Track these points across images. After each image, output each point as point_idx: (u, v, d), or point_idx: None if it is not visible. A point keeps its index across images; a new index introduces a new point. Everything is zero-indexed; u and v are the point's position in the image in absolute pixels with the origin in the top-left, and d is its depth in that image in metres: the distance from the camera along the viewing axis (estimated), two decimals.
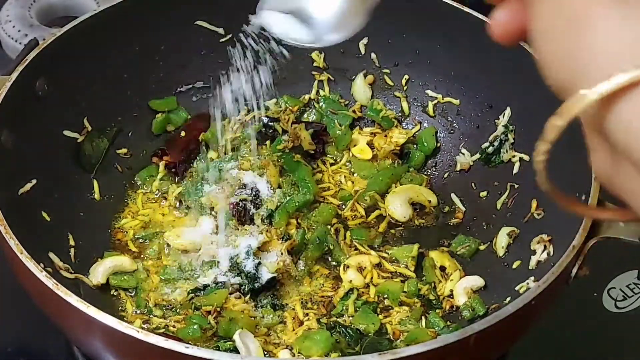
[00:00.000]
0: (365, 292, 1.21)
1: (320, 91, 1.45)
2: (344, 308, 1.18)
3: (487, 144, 1.33)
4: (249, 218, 1.25)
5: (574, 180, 1.11)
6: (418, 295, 1.20)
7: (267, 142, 1.37)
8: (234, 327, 1.11)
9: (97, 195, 1.29)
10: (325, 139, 1.39)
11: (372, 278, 1.22)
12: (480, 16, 1.30)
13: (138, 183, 1.34)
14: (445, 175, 1.37)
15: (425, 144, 1.38)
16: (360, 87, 1.43)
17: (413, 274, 1.24)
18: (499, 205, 1.29)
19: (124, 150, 1.35)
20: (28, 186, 1.15)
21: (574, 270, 1.01)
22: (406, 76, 1.42)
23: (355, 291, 1.20)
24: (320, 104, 1.43)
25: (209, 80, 1.43)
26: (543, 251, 1.14)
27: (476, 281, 1.20)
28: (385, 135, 1.39)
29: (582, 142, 1.12)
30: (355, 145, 1.39)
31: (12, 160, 1.12)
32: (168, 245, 1.25)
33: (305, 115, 1.43)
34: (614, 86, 0.53)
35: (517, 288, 1.11)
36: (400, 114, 1.43)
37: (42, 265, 0.98)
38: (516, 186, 1.28)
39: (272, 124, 1.38)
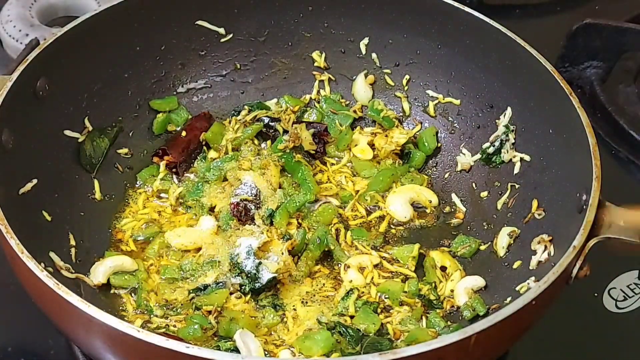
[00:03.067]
0: (366, 292, 1.21)
1: (321, 91, 1.45)
2: (345, 308, 1.18)
3: (487, 144, 1.33)
4: (249, 218, 1.25)
5: (575, 179, 1.11)
6: (419, 296, 1.20)
7: (268, 142, 1.37)
8: (234, 327, 1.11)
9: (97, 195, 1.29)
10: (326, 139, 1.39)
11: (372, 278, 1.22)
12: (480, 16, 1.30)
13: (139, 183, 1.34)
14: (446, 176, 1.37)
15: (426, 144, 1.38)
16: (361, 87, 1.43)
17: (414, 274, 1.24)
18: (499, 206, 1.28)
19: (125, 150, 1.35)
20: (29, 186, 1.15)
21: (575, 271, 1.01)
22: (407, 76, 1.42)
23: (356, 291, 1.19)
24: (321, 104, 1.43)
25: (209, 80, 1.43)
26: (544, 251, 1.13)
27: (477, 281, 1.20)
28: (386, 135, 1.39)
29: (583, 142, 1.12)
30: (356, 146, 1.39)
31: (12, 160, 1.12)
32: (168, 245, 1.25)
33: (306, 116, 1.43)
34: None
35: (517, 288, 1.11)
36: (401, 114, 1.43)
37: (42, 265, 0.97)
38: (517, 186, 1.27)
39: (273, 124, 1.38)
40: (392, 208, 1.31)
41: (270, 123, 1.38)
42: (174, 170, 1.34)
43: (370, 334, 1.14)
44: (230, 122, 1.40)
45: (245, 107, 1.42)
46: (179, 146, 1.35)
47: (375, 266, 1.24)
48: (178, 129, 1.39)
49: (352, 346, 1.12)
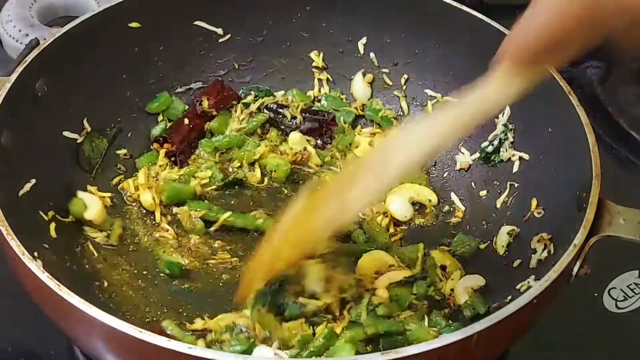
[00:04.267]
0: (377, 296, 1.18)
1: (321, 89, 1.45)
2: (357, 315, 1.16)
3: (486, 143, 1.33)
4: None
5: (575, 178, 1.11)
6: (426, 297, 1.19)
7: (274, 130, 1.38)
8: None
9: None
10: (333, 128, 1.39)
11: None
12: (479, 16, 1.31)
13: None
14: (445, 175, 1.37)
15: None
16: (360, 86, 1.43)
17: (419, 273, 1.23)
18: (498, 204, 1.28)
19: (124, 151, 1.35)
20: (28, 186, 1.15)
21: (575, 269, 1.01)
22: (405, 75, 1.42)
23: (367, 296, 1.18)
24: (322, 102, 1.43)
25: (207, 81, 1.43)
26: (543, 250, 1.14)
27: (477, 280, 1.20)
28: (385, 135, 1.39)
29: (582, 140, 1.12)
30: (357, 147, 1.39)
31: (12, 160, 1.12)
32: None
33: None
34: None
35: (517, 287, 1.11)
36: (399, 113, 1.43)
37: None
38: (516, 185, 1.28)
39: (281, 110, 1.38)
40: (393, 207, 1.31)
41: (278, 109, 1.39)
42: (172, 159, 1.34)
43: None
44: (236, 111, 1.40)
45: (252, 92, 1.42)
46: (180, 134, 1.35)
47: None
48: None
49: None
